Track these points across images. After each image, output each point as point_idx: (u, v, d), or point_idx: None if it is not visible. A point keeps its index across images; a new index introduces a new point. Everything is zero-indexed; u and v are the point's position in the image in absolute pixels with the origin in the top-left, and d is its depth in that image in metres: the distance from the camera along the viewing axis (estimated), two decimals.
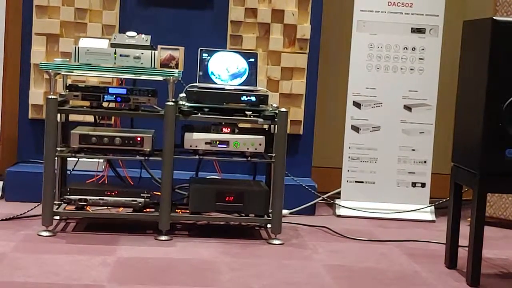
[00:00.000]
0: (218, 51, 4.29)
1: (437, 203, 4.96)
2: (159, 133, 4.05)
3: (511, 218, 4.78)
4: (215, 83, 4.19)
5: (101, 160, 4.52)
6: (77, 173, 4.49)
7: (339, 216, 4.86)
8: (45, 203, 3.94)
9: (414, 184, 4.97)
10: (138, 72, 4.04)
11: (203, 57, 4.22)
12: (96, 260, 3.56)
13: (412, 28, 4.92)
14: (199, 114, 4.05)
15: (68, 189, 4.07)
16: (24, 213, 4.28)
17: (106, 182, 4.48)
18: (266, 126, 4.25)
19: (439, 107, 4.96)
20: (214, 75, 4.18)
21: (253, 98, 4.11)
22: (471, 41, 3.67)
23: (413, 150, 4.95)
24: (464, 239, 3.72)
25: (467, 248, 3.54)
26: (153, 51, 4.04)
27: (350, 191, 4.93)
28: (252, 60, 4.26)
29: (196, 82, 4.19)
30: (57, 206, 4.11)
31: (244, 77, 4.22)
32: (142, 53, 4.03)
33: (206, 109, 4.08)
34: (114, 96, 4.04)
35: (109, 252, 3.70)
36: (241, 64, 4.23)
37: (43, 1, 4.76)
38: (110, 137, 4.01)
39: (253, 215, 4.14)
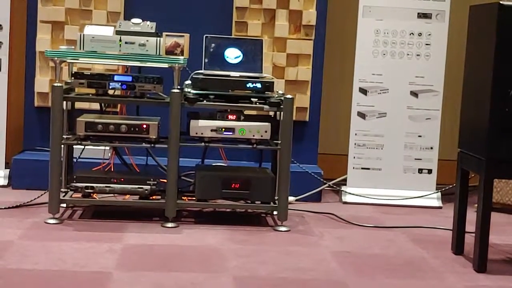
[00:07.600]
0: (223, 37, 4.28)
1: (443, 189, 4.95)
2: (165, 120, 4.04)
3: None
4: (223, 69, 4.17)
5: (107, 148, 4.52)
6: (83, 160, 4.50)
7: (345, 202, 4.85)
8: (51, 191, 3.95)
9: (420, 171, 4.95)
10: (144, 59, 4.03)
11: (208, 44, 4.21)
12: (103, 247, 3.56)
13: (418, 13, 4.89)
14: (205, 101, 4.05)
15: (75, 177, 4.07)
16: (31, 200, 4.29)
17: (112, 169, 4.48)
18: (272, 113, 4.24)
19: (445, 93, 4.94)
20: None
21: (258, 85, 4.10)
22: (477, 26, 3.65)
23: (420, 136, 4.94)
24: (471, 225, 3.72)
25: (473, 234, 3.54)
26: (158, 38, 4.03)
27: (356, 178, 4.92)
28: (252, 46, 4.25)
29: (201, 69, 4.19)
30: (64, 193, 4.12)
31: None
32: (147, 40, 4.02)
33: (211, 96, 4.07)
34: (120, 84, 4.03)
35: (116, 239, 3.71)
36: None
37: None
38: (116, 124, 4.01)
39: (259, 202, 4.14)
